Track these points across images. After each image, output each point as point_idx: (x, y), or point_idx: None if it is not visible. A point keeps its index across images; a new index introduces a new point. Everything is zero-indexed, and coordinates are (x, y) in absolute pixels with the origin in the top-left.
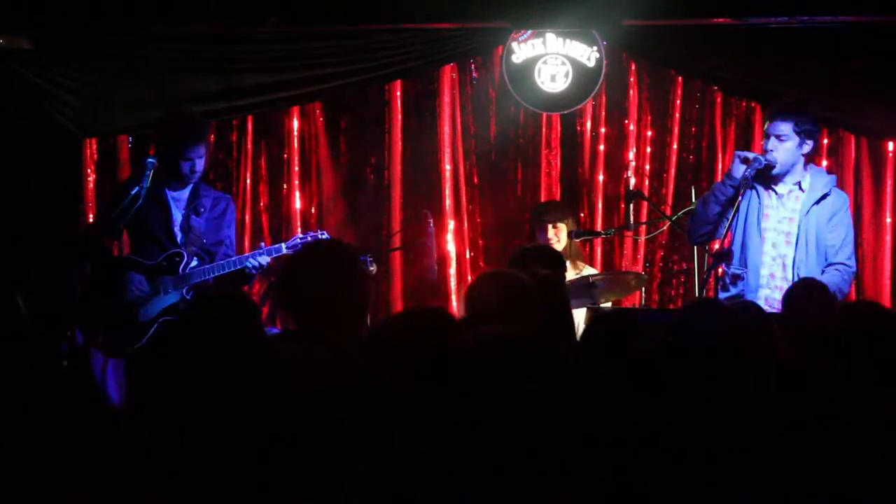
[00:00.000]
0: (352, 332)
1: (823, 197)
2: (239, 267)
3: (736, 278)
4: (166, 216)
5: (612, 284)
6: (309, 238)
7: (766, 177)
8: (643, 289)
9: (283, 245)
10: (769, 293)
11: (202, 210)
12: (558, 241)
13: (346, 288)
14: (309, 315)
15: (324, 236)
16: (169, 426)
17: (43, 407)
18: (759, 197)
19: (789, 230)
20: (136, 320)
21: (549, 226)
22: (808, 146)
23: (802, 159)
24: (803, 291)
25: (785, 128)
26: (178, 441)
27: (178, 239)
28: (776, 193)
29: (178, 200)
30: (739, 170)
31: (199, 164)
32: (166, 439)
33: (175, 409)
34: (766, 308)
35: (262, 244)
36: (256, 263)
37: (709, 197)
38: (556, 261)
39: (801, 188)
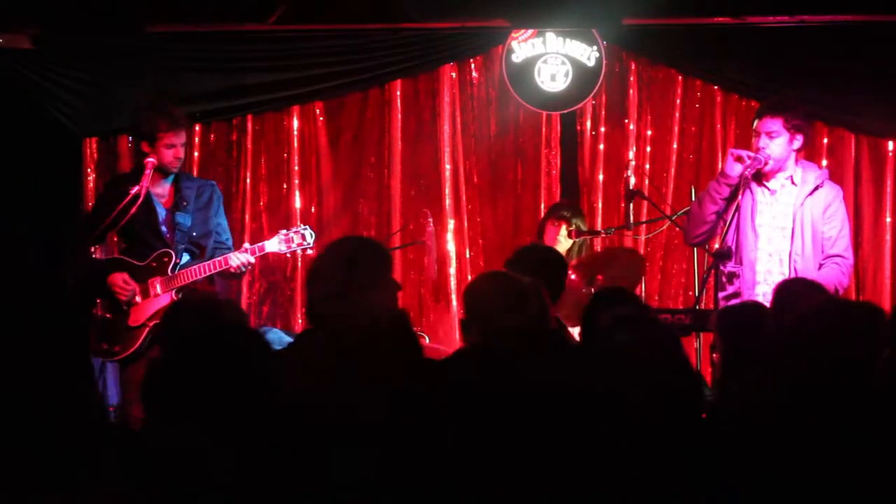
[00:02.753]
0: None
1: (816, 189)
2: (224, 268)
3: (733, 276)
4: (150, 214)
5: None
6: (292, 233)
7: (759, 174)
8: (643, 289)
9: (266, 243)
10: (767, 289)
11: (186, 204)
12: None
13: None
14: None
15: (306, 231)
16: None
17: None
18: (751, 194)
19: (784, 224)
20: (124, 323)
21: (565, 224)
22: (799, 141)
23: (794, 154)
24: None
25: (775, 125)
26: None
27: (165, 236)
28: (768, 189)
29: (161, 196)
30: (734, 168)
31: (182, 151)
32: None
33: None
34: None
35: (247, 244)
36: (237, 263)
37: (704, 197)
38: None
39: (793, 182)
